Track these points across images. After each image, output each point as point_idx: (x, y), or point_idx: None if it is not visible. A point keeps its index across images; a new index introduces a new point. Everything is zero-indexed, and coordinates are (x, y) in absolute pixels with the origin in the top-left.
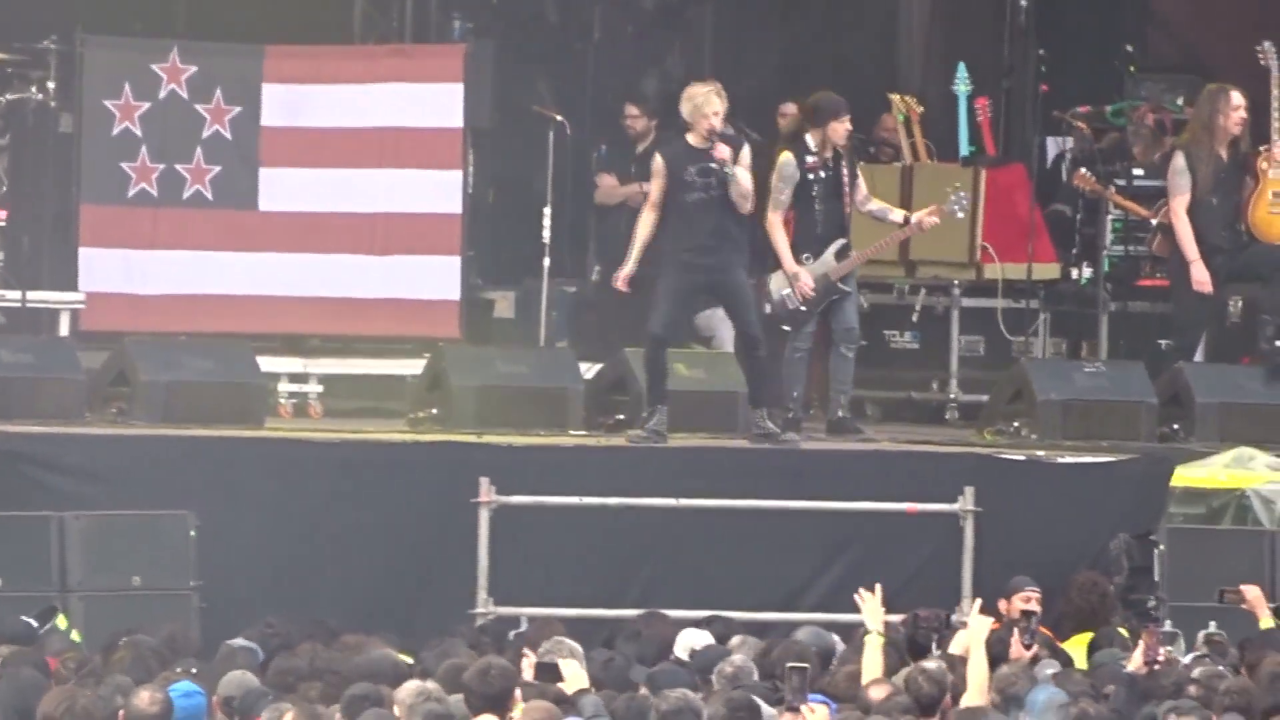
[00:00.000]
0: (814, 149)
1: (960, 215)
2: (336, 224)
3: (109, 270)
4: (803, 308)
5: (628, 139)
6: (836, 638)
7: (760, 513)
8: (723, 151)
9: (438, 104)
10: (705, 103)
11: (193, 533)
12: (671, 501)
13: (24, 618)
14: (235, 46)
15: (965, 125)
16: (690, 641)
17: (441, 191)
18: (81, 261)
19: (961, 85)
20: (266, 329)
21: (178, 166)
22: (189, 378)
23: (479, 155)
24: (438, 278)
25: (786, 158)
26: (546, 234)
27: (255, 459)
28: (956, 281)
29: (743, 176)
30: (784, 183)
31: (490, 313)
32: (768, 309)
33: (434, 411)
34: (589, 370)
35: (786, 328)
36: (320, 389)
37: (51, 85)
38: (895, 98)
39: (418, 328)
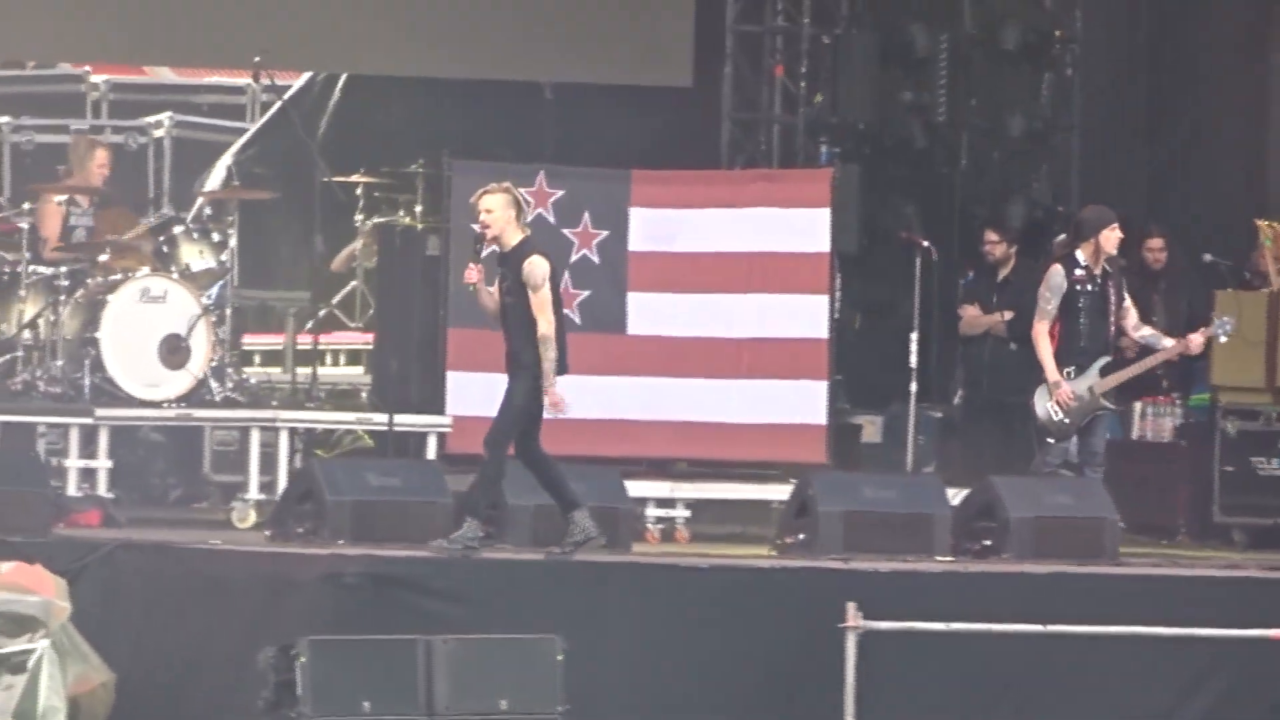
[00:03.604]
0: (1083, 262)
1: (1223, 339)
2: (704, 348)
3: (475, 393)
4: (1065, 420)
5: (988, 266)
6: None
7: (1126, 639)
8: None
9: (805, 229)
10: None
11: (560, 657)
12: (1038, 628)
13: None
14: (602, 171)
15: None
16: None
17: (808, 316)
18: (449, 385)
19: None
20: (634, 453)
21: None
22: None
23: (845, 280)
24: (805, 402)
25: (1055, 269)
26: (913, 359)
27: (622, 583)
28: None
29: None
30: (1051, 293)
31: (857, 437)
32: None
33: (801, 537)
34: (956, 496)
35: (1050, 440)
36: (688, 514)
37: (419, 208)
38: (1263, 224)
39: (785, 453)
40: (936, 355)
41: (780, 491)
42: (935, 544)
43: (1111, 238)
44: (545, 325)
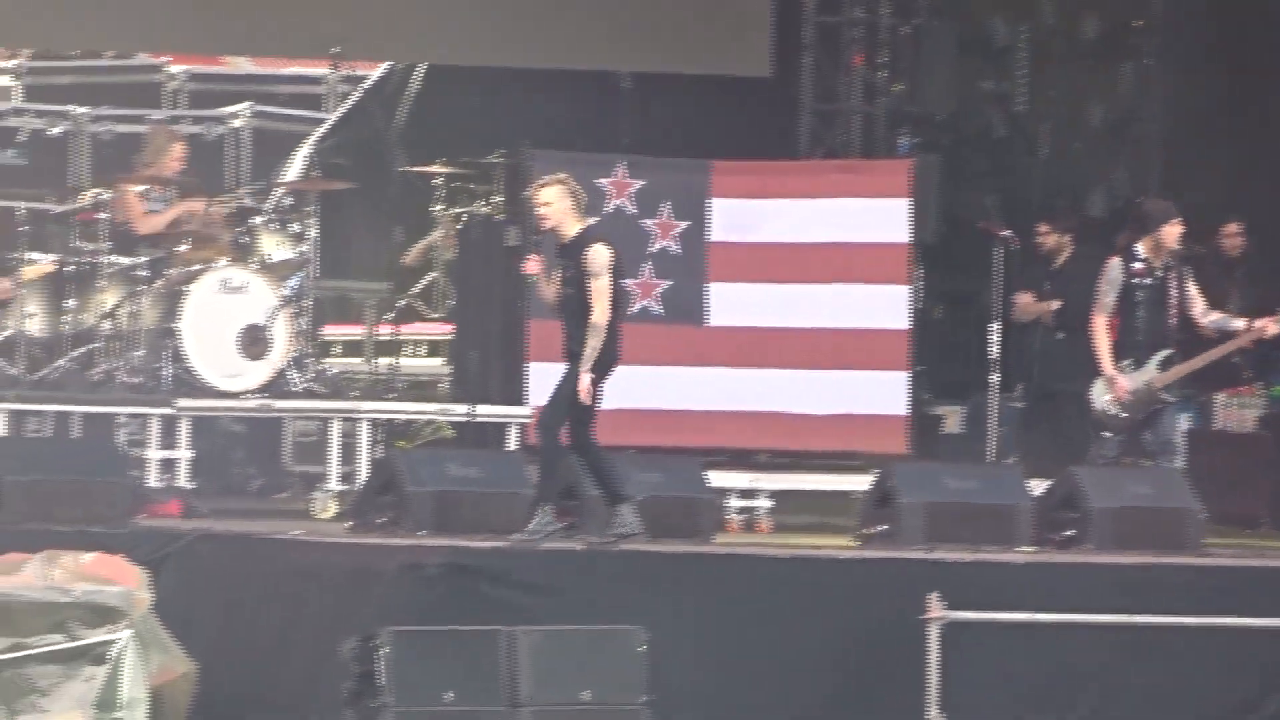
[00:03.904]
0: (1143, 256)
1: None
2: (785, 339)
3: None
4: (1123, 414)
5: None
6: None
7: (1208, 630)
8: None
9: (885, 219)
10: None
11: (643, 647)
12: (1121, 618)
13: None
14: (682, 162)
15: None
16: None
17: (889, 307)
18: (529, 376)
19: None
20: (715, 444)
21: (625, 281)
22: (638, 493)
23: (926, 271)
24: (886, 393)
25: (1113, 262)
26: (994, 349)
27: (704, 574)
28: None
29: None
30: (1108, 286)
31: (939, 428)
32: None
33: (883, 528)
34: (1037, 486)
35: (1106, 434)
36: (769, 504)
37: (498, 199)
38: None
39: (866, 443)
40: (1017, 346)
41: (861, 482)
42: (1017, 535)
43: (1173, 232)
44: (598, 314)
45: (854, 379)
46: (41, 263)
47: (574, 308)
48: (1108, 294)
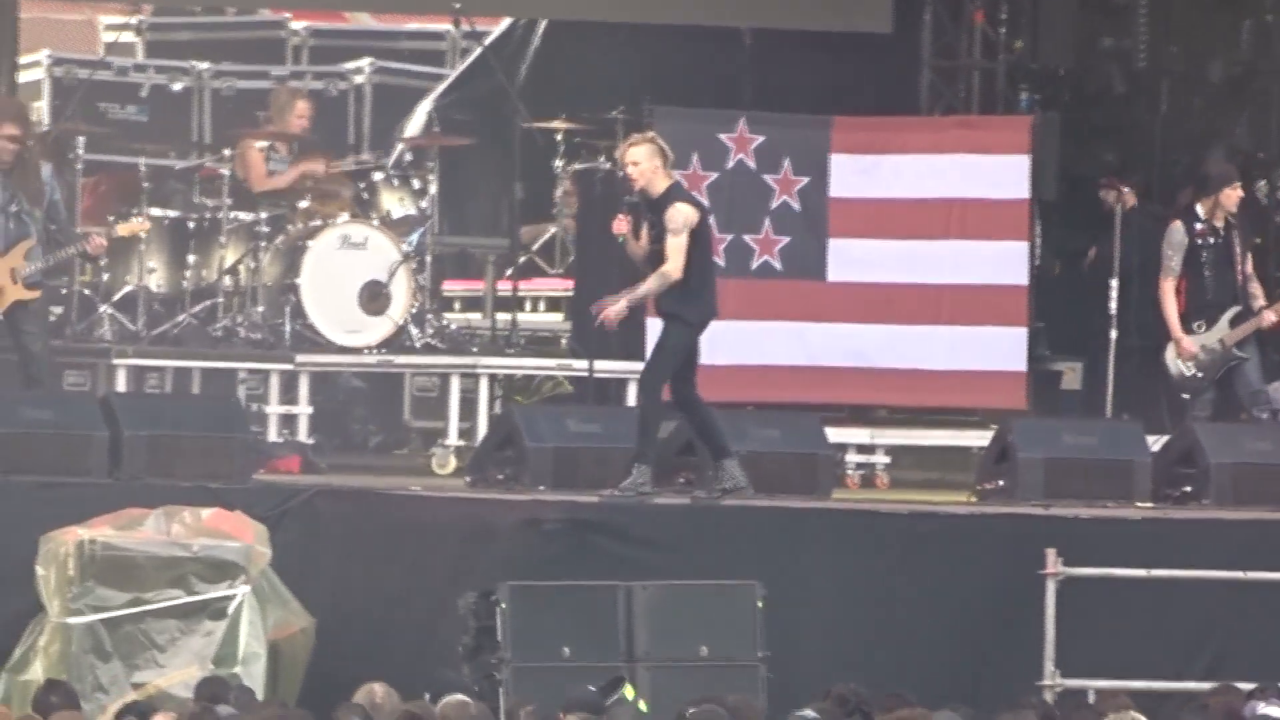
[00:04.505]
0: (1203, 216)
1: None
2: (903, 295)
3: None
4: (1199, 374)
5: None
6: None
7: None
8: None
9: (1004, 176)
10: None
11: (760, 603)
12: (1239, 574)
13: (591, 687)
14: (803, 118)
15: None
16: (1259, 713)
17: (1008, 263)
18: (649, 331)
19: None
20: (834, 399)
21: (745, 237)
22: (757, 448)
23: (1045, 227)
24: (1005, 349)
25: (1175, 225)
26: (1113, 305)
27: (822, 530)
28: None
29: None
30: (1173, 250)
31: (1057, 384)
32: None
33: (1001, 483)
34: (1156, 442)
35: (1185, 396)
36: (887, 460)
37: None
38: None
39: (985, 399)
40: (1136, 302)
41: (980, 438)
42: (1135, 490)
43: (1233, 195)
44: (671, 267)
45: (973, 335)
46: (135, 220)
47: (661, 264)
48: (1173, 257)
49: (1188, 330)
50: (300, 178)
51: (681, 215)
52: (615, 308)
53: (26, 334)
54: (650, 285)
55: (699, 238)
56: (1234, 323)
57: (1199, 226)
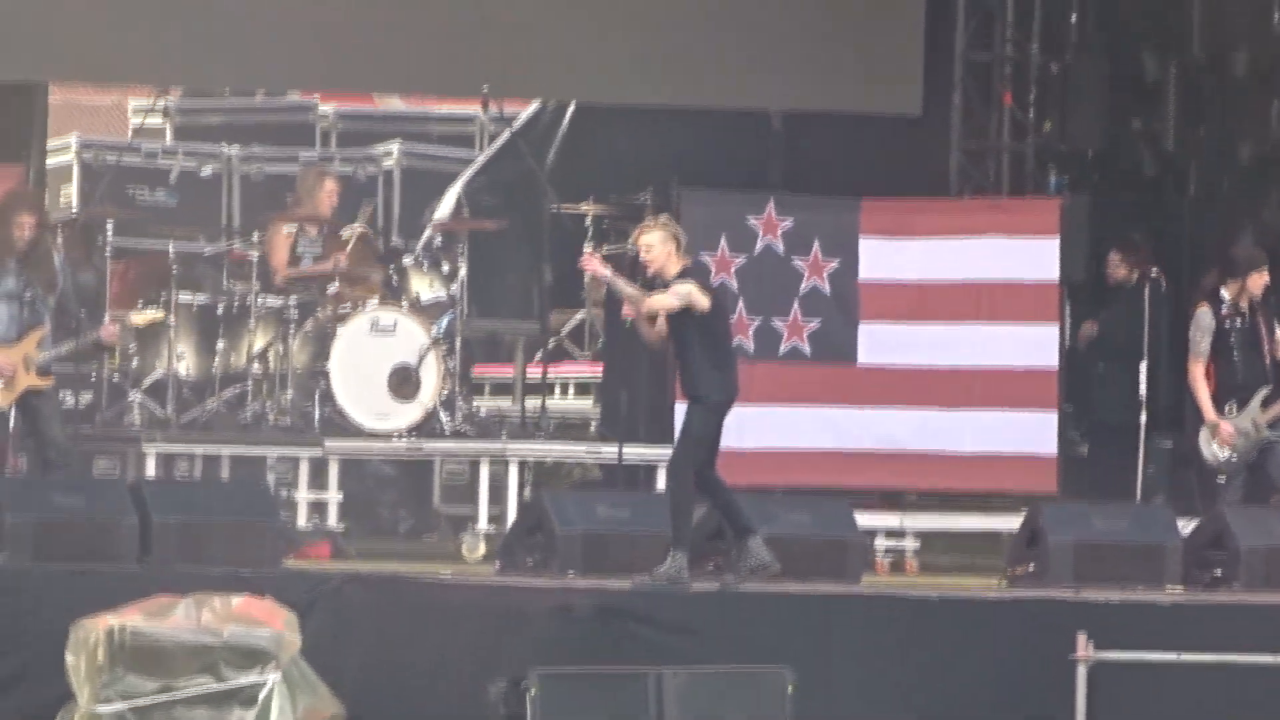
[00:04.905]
0: (1229, 299)
1: None
2: (933, 379)
3: None
4: (1233, 458)
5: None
6: None
7: None
8: None
9: (1034, 258)
10: None
11: (790, 689)
12: (1270, 659)
13: None
14: (831, 200)
15: None
16: None
17: (1038, 346)
18: (678, 415)
19: None
20: (864, 484)
21: (774, 321)
22: (787, 532)
23: (1074, 309)
24: (1035, 433)
25: (1204, 309)
26: (1143, 389)
27: (852, 615)
28: None
29: None
30: (1201, 334)
31: (1087, 467)
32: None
33: (1031, 567)
34: (1186, 525)
35: (1221, 479)
36: (917, 544)
37: None
38: None
39: (1015, 483)
40: (1166, 385)
41: (1009, 522)
42: (1166, 574)
43: (1259, 280)
44: (655, 300)
45: (1003, 418)
46: (149, 310)
47: (683, 347)
48: (1201, 341)
49: (1219, 413)
50: (320, 273)
51: (686, 286)
52: (599, 265)
53: (43, 419)
54: (634, 293)
55: (715, 317)
56: (1265, 404)
57: (1224, 309)
